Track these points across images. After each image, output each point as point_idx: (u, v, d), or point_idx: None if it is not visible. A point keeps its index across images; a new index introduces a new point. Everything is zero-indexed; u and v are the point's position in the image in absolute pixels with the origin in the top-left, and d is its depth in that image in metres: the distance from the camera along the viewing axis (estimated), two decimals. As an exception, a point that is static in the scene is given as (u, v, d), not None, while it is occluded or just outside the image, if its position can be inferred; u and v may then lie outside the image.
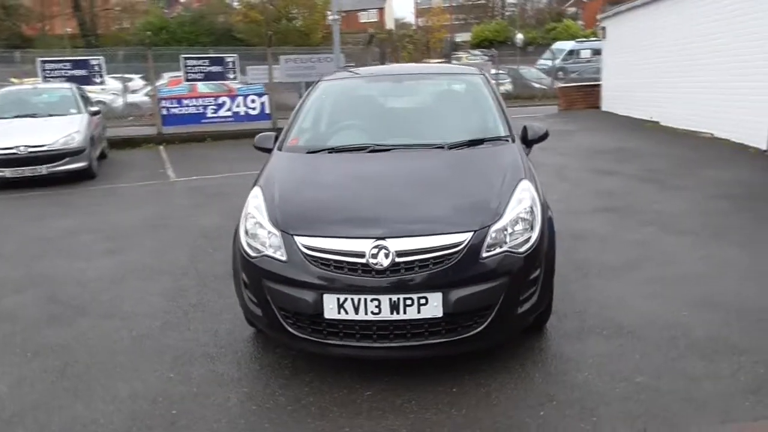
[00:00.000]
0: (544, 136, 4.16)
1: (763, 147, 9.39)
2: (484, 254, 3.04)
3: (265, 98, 14.39)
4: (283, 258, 3.13)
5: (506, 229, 3.14)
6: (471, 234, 3.05)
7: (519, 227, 3.19)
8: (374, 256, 2.97)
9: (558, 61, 31.50)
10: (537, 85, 26.37)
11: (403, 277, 2.96)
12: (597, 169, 8.75)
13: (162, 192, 8.69)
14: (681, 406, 2.89)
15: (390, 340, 3.02)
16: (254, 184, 3.69)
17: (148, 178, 9.72)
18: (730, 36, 10.32)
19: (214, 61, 13.78)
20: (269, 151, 4.32)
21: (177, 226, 6.71)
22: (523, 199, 3.31)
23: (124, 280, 5.01)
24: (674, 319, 3.81)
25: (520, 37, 28.30)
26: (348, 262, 3.01)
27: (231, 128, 14.18)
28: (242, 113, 14.25)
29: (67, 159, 9.04)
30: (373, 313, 2.97)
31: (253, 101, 14.27)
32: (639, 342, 3.54)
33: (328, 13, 13.04)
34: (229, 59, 13.86)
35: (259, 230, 3.32)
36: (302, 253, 3.09)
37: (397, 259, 2.97)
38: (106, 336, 3.98)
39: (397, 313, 2.96)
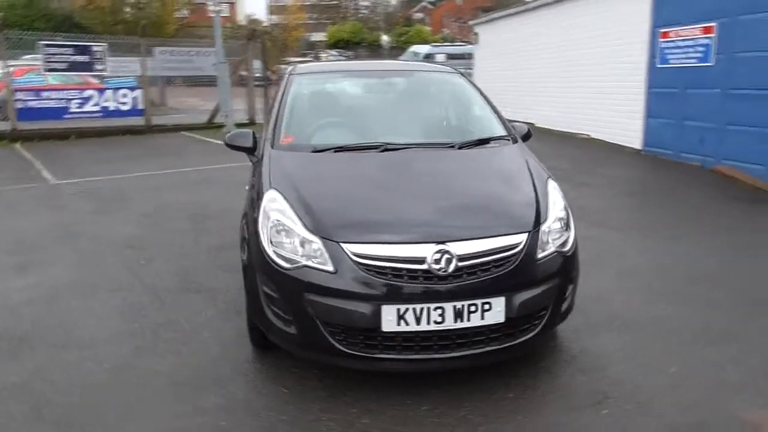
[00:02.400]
0: (527, 136, 4.18)
1: (638, 147, 10.38)
2: (539, 255, 2.99)
3: (138, 92, 13.23)
4: (330, 268, 2.83)
5: (549, 229, 3.11)
6: (527, 235, 2.98)
7: (557, 226, 3.17)
8: (437, 261, 2.78)
9: (415, 64, 32.56)
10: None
11: (466, 283, 2.81)
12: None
13: (47, 197, 7.60)
14: (723, 392, 3.05)
15: (452, 350, 2.85)
16: (267, 187, 3.26)
17: (21, 181, 8.46)
18: (603, 43, 11.27)
19: (80, 50, 12.37)
20: (247, 150, 3.94)
21: (89, 235, 5.89)
22: (557, 199, 3.30)
23: (59, 300, 4.29)
24: (662, 312, 4.02)
25: (386, 39, 28.78)
26: (408, 270, 2.79)
27: (99, 124, 12.87)
28: (112, 108, 12.98)
29: None
30: (436, 322, 2.79)
31: (124, 95, 13.05)
32: (649, 333, 3.70)
33: (210, 3, 12.23)
34: (96, 48, 12.53)
35: (287, 238, 2.98)
36: (353, 261, 2.81)
37: (459, 264, 2.81)
38: (71, 369, 3.35)
39: (461, 320, 2.80)
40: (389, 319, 2.77)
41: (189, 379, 3.25)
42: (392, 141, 3.66)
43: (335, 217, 2.99)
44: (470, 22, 17.26)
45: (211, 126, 14.51)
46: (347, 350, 2.84)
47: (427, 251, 2.80)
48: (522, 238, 2.95)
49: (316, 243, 2.89)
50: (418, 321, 2.78)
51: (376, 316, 2.77)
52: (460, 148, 3.68)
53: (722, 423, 2.82)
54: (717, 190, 7.80)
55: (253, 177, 3.78)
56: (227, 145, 4.06)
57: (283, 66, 22.65)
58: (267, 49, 32.43)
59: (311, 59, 31.44)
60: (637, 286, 4.46)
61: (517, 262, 2.90)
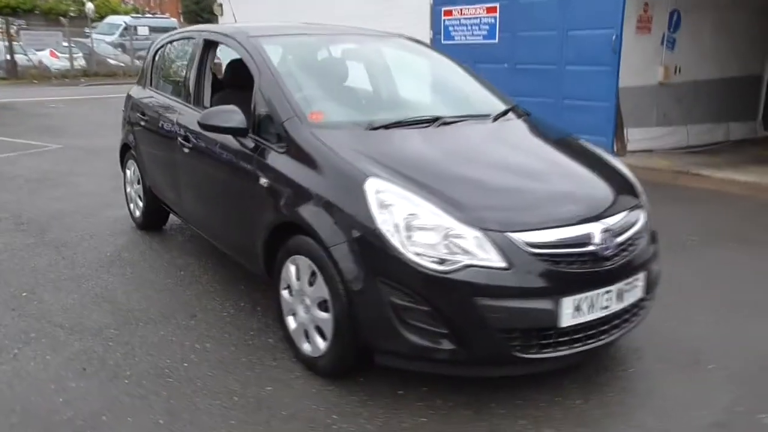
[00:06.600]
0: None
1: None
2: (650, 225, 2.95)
3: None
4: (502, 264, 2.37)
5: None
6: (641, 207, 2.91)
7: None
8: (603, 240, 2.54)
9: (115, 37, 29.69)
10: (113, 62, 23.99)
11: (624, 261, 2.62)
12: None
13: None
14: None
15: (609, 334, 2.65)
16: (359, 176, 2.54)
17: None
18: (391, 19, 11.59)
19: None
20: (237, 131, 3.08)
21: None
22: (626, 170, 3.25)
23: None
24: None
25: (90, 6, 24.98)
26: (578, 254, 2.50)
27: None
28: None
29: None
30: (603, 307, 2.57)
31: None
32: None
33: None
34: None
35: (425, 234, 2.40)
36: (528, 252, 2.40)
37: (617, 240, 2.61)
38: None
39: (621, 302, 2.63)
40: (567, 312, 2.46)
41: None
42: (432, 113, 3.19)
43: (486, 204, 2.50)
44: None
45: None
46: (524, 355, 2.44)
47: (594, 229, 2.54)
48: (642, 210, 2.88)
49: (474, 235, 2.39)
50: (590, 309, 2.52)
51: (556, 310, 2.43)
52: (494, 120, 3.40)
53: None
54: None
55: (264, 170, 2.94)
56: (202, 125, 3.10)
57: None
58: None
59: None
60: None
61: (646, 235, 2.82)
